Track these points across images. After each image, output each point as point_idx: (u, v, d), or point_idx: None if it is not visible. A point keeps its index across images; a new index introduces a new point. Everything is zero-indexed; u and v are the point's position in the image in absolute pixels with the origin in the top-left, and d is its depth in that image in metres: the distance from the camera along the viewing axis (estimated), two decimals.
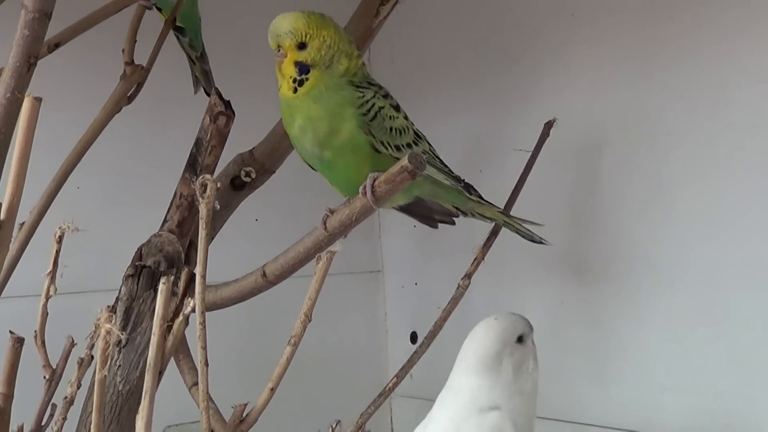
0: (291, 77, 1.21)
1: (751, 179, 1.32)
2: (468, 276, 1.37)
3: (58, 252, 1.13)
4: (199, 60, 1.51)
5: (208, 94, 1.51)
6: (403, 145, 1.23)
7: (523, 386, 1.14)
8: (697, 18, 1.34)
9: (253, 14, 1.76)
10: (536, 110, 1.53)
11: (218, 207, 1.09)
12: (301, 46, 1.20)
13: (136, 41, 1.40)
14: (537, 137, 1.42)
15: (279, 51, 1.21)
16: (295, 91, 1.21)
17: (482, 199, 1.32)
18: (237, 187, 1.44)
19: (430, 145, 1.29)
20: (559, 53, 1.52)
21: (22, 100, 1.07)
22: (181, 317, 1.04)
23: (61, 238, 1.12)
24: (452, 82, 1.72)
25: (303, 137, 1.22)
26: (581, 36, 1.49)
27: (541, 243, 1.37)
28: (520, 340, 1.16)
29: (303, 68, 1.20)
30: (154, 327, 1.02)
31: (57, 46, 1.22)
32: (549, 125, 1.41)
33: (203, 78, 1.53)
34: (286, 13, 1.21)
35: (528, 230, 1.36)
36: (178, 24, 1.45)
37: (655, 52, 1.39)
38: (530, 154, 1.41)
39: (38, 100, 0.98)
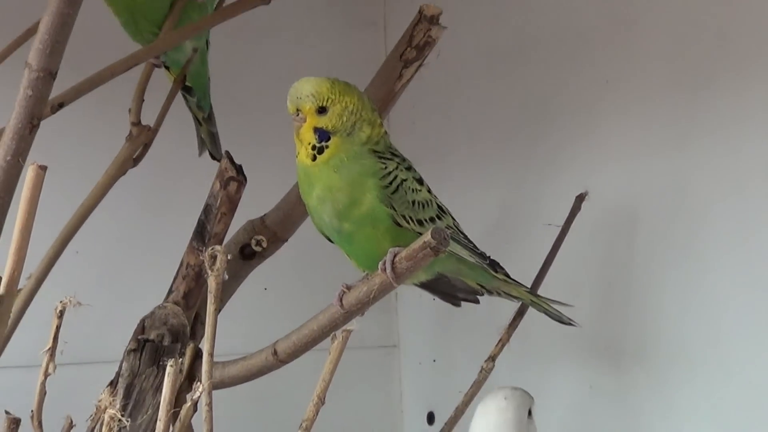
0: (310, 144, 1.18)
1: None
2: (492, 358, 1.35)
3: (58, 328, 1.10)
4: (206, 121, 1.50)
5: (214, 158, 1.51)
6: (425, 220, 1.20)
7: None
8: (737, 88, 1.32)
9: (265, 75, 1.78)
10: (566, 181, 1.51)
11: (226, 278, 1.07)
12: (322, 110, 1.18)
13: (143, 101, 1.38)
14: (566, 209, 1.40)
15: (298, 115, 1.18)
16: (314, 158, 1.18)
17: (509, 277, 1.30)
18: (247, 256, 1.41)
19: (454, 219, 1.27)
20: (591, 121, 1.50)
21: (23, 165, 1.05)
22: (189, 402, 1.01)
23: (62, 313, 1.09)
24: (477, 148, 1.70)
25: (321, 208, 1.19)
26: (615, 103, 1.46)
27: (570, 324, 1.34)
28: (529, 414, 1.19)
29: (323, 135, 1.18)
30: (159, 412, 0.99)
31: (61, 106, 1.20)
32: (580, 198, 1.39)
33: (209, 140, 1.52)
34: (309, 77, 1.20)
35: (557, 311, 1.33)
36: (186, 83, 1.44)
37: (691, 123, 1.37)
38: (560, 228, 1.39)
39: (43, 169, 0.96)
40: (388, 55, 1.36)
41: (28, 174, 0.97)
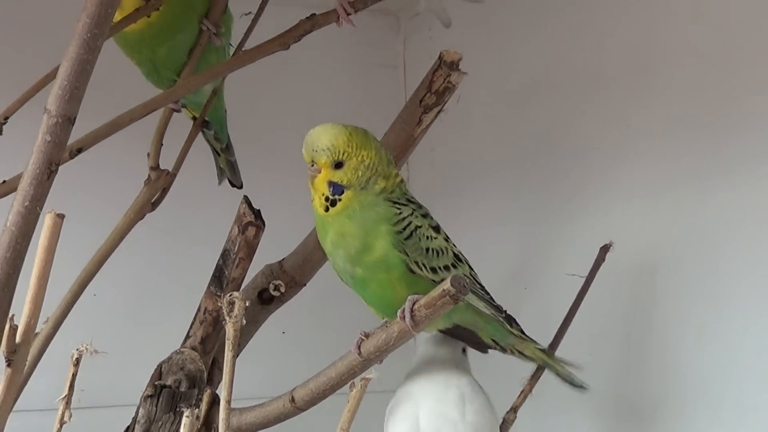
0: (323, 195, 1.18)
1: None
2: (514, 410, 1.34)
3: (74, 375, 1.10)
4: (224, 152, 1.51)
5: (233, 185, 1.52)
6: (440, 267, 1.20)
7: None
8: (761, 131, 1.31)
9: (284, 114, 1.79)
10: (587, 226, 1.52)
11: (244, 322, 1.07)
12: (338, 165, 1.17)
13: (162, 145, 1.39)
14: (585, 252, 1.40)
15: (313, 166, 1.18)
16: (327, 210, 1.18)
17: (524, 334, 1.28)
18: (265, 300, 1.41)
19: (471, 268, 1.26)
20: (611, 165, 1.49)
21: (40, 211, 1.06)
22: None
23: (78, 360, 1.09)
24: (496, 191, 1.70)
25: (335, 252, 1.19)
26: (637, 149, 1.46)
27: (581, 388, 1.33)
28: None
29: (337, 189, 1.17)
30: None
31: (79, 151, 1.20)
32: (605, 249, 1.38)
33: (228, 169, 1.53)
34: (326, 124, 1.19)
35: (569, 373, 1.32)
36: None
37: (713, 167, 1.36)
38: (584, 280, 1.38)
39: (60, 217, 0.96)
40: (408, 100, 1.36)
41: (46, 222, 0.97)
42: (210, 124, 1.46)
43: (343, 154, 1.16)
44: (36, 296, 0.95)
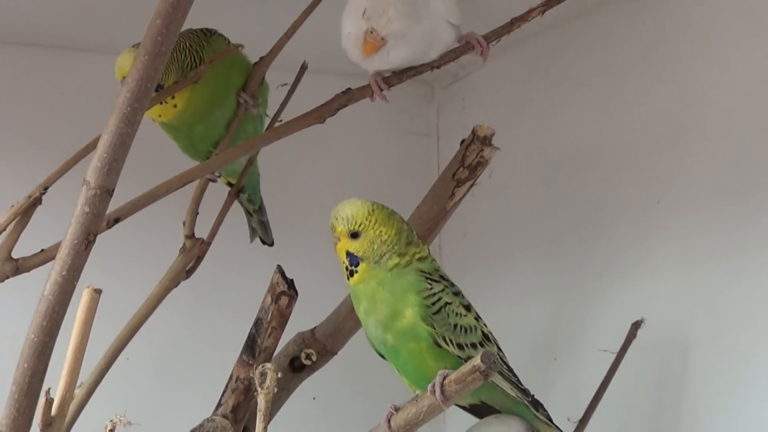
0: (344, 264, 1.22)
1: None
2: None
3: None
4: (256, 212, 1.53)
5: (264, 243, 1.54)
6: (467, 344, 1.21)
7: None
8: None
9: (318, 182, 1.79)
10: (618, 301, 1.51)
11: (276, 390, 1.08)
12: (354, 235, 1.21)
13: (197, 213, 1.41)
14: (617, 328, 1.40)
15: (333, 234, 1.22)
16: (348, 278, 1.22)
17: (550, 420, 1.27)
18: (296, 368, 1.42)
19: (500, 349, 1.26)
20: (643, 242, 1.49)
21: (77, 280, 1.07)
22: None
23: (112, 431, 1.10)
24: (528, 262, 1.70)
25: (368, 319, 1.22)
26: (667, 225, 1.45)
27: None
28: None
29: (353, 259, 1.21)
30: None
31: (116, 221, 1.21)
32: (636, 326, 1.38)
33: (260, 228, 1.55)
34: (355, 198, 1.22)
35: None
36: None
37: (746, 246, 1.35)
38: (615, 356, 1.37)
39: (98, 292, 0.97)
40: (441, 174, 1.37)
41: (83, 297, 0.99)
42: (244, 187, 1.48)
43: (360, 226, 1.21)
44: (72, 370, 0.97)
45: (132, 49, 1.30)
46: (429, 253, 1.25)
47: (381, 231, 1.20)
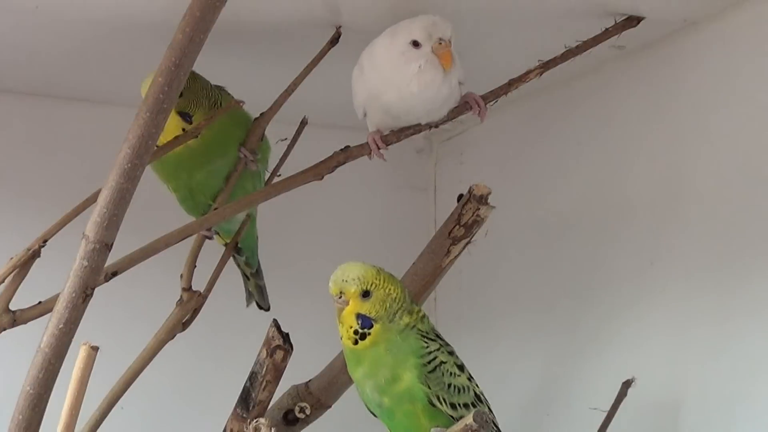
0: (352, 328, 1.20)
1: None
2: None
3: None
4: (254, 276, 1.53)
5: (261, 308, 1.54)
6: (459, 404, 1.21)
7: None
8: None
9: (315, 236, 1.80)
10: (610, 360, 1.51)
11: None
12: (366, 294, 1.20)
13: (195, 266, 1.41)
14: (608, 386, 1.39)
15: (341, 298, 1.21)
16: (356, 343, 1.20)
17: None
18: (290, 422, 1.42)
19: (491, 411, 1.26)
20: (636, 303, 1.49)
21: (74, 333, 1.08)
22: None
23: None
24: (522, 319, 1.70)
25: (365, 382, 1.22)
26: (660, 287, 1.46)
27: None
28: None
29: (366, 321, 1.20)
30: None
31: (114, 274, 1.21)
32: (627, 385, 1.38)
33: (257, 292, 1.55)
34: (355, 261, 1.22)
35: None
36: None
37: (738, 311, 1.35)
38: (605, 415, 1.37)
39: (94, 349, 0.98)
40: (437, 231, 1.38)
41: (80, 354, 0.99)
42: (242, 249, 1.49)
43: (372, 285, 1.20)
44: (68, 426, 0.97)
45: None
46: (425, 313, 1.26)
47: (390, 289, 1.20)
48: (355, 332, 1.20)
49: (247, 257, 1.51)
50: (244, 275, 1.54)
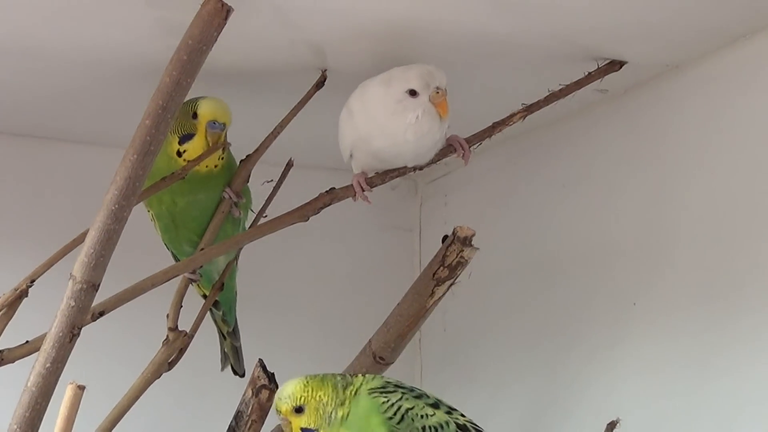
0: None
1: None
2: None
3: None
4: (230, 335, 1.53)
5: (236, 373, 1.53)
6: None
7: None
8: (763, 315, 1.31)
9: (298, 278, 1.80)
10: (594, 402, 1.51)
11: None
12: (299, 410, 1.21)
13: (181, 306, 1.42)
14: (592, 425, 1.39)
15: (282, 417, 1.23)
16: None
17: None
18: None
19: None
20: (618, 343, 1.49)
21: (61, 372, 1.08)
22: None
23: None
24: (505, 358, 1.70)
25: None
26: (643, 327, 1.46)
27: None
28: None
29: None
30: None
31: (101, 314, 1.22)
32: (612, 426, 1.35)
33: (232, 355, 1.54)
34: (290, 379, 1.24)
35: None
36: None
37: (718, 350, 1.36)
38: None
39: (81, 389, 0.99)
40: (422, 272, 1.38)
41: (67, 393, 1.00)
42: (219, 304, 1.49)
43: (301, 399, 1.21)
44: None
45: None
46: (366, 375, 1.26)
47: (320, 395, 1.21)
48: None
49: (224, 312, 1.51)
50: (221, 334, 1.54)
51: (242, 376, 1.53)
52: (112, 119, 1.44)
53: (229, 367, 1.55)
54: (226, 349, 1.54)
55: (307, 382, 1.22)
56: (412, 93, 1.29)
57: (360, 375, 1.25)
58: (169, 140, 1.36)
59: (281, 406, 1.22)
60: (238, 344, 1.53)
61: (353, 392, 1.22)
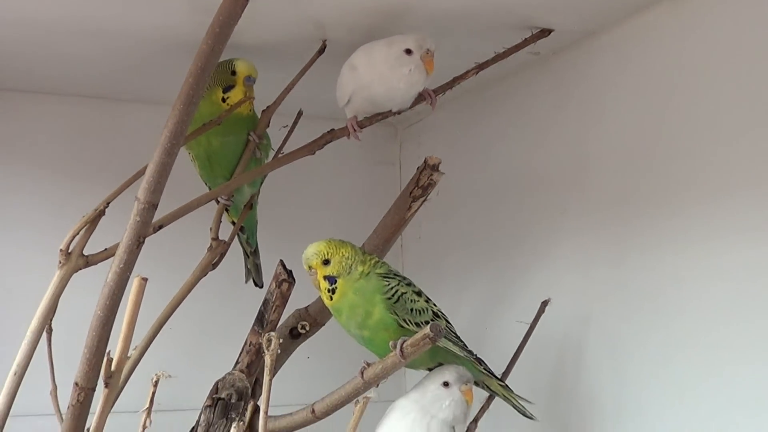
0: (325, 288, 1.23)
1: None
2: (475, 421, 1.32)
3: (153, 393, 1.11)
4: (252, 255, 1.52)
5: (256, 284, 1.52)
6: (422, 322, 1.22)
7: None
8: (668, 216, 1.30)
9: (307, 202, 1.81)
10: (533, 286, 1.52)
11: (279, 352, 1.09)
12: (326, 262, 1.22)
13: (221, 222, 1.42)
14: (531, 305, 1.40)
15: (310, 270, 1.24)
16: (331, 298, 1.23)
17: (490, 371, 1.29)
18: (294, 336, 1.42)
19: (448, 322, 1.28)
20: (551, 242, 1.50)
21: (131, 272, 1.08)
22: None
23: (156, 383, 1.10)
24: (466, 259, 1.70)
25: (349, 323, 1.24)
26: (570, 228, 1.47)
27: (530, 419, 1.31)
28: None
29: (331, 279, 1.23)
30: None
31: (161, 227, 1.23)
32: (544, 304, 1.38)
33: (254, 271, 1.53)
34: (314, 242, 1.25)
35: (522, 406, 1.31)
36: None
37: (631, 241, 1.36)
38: (528, 326, 1.37)
39: (144, 280, 0.98)
40: (401, 192, 1.37)
41: (133, 284, 0.99)
42: (245, 229, 1.48)
43: (327, 254, 1.23)
44: (126, 337, 0.98)
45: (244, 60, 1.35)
46: (379, 259, 1.27)
47: (342, 252, 1.23)
48: (327, 290, 1.22)
49: (248, 235, 1.49)
50: (245, 253, 1.52)
51: (261, 287, 1.52)
52: (164, 82, 1.42)
53: (251, 281, 1.54)
54: (249, 266, 1.53)
55: (330, 242, 1.24)
56: (408, 52, 1.28)
57: (374, 256, 1.26)
58: (215, 90, 1.36)
59: (311, 261, 1.23)
60: (259, 262, 1.52)
61: (368, 268, 1.23)
